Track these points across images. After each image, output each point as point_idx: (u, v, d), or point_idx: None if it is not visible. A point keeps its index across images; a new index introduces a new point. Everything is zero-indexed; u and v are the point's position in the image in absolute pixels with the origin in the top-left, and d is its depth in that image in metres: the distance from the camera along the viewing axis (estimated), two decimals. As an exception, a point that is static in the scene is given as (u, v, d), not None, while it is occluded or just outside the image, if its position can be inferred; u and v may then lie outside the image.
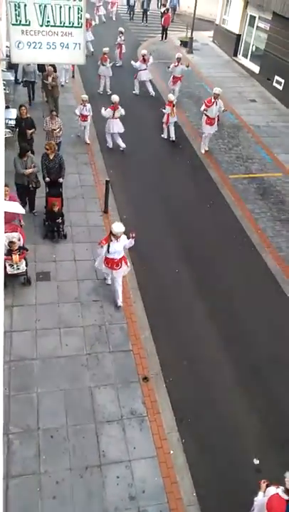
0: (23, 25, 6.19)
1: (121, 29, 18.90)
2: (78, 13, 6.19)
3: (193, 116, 15.28)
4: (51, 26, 6.23)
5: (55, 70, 13.53)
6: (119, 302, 7.90)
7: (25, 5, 6.08)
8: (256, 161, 13.04)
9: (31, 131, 10.80)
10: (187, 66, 15.59)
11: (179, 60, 15.21)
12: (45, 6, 6.12)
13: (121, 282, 7.79)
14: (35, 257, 8.70)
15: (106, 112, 12.15)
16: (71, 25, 6.26)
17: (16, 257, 7.59)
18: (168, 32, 23.68)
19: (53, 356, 6.92)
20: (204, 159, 13.00)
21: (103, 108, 12.24)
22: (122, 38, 18.49)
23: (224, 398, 6.77)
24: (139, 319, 7.83)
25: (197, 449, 6.11)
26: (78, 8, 6.16)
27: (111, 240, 7.29)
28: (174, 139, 13.64)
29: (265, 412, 6.64)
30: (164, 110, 13.35)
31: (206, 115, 12.52)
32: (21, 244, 7.89)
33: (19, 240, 7.92)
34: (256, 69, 19.47)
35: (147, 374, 6.86)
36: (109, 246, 7.31)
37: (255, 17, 19.70)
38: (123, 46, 18.69)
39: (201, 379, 6.99)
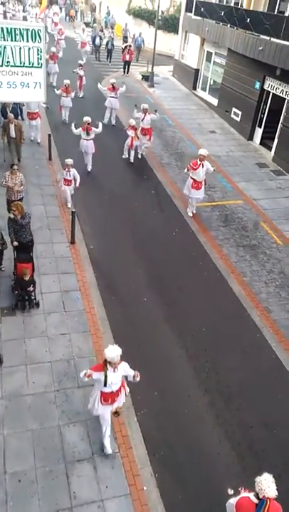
0: (-17, 65, 6.35)
1: (80, 62, 19.47)
2: (38, 54, 6.39)
3: (155, 148, 15.72)
4: (11, 66, 6.40)
5: (16, 116, 13.28)
6: (109, 449, 6.10)
7: (-15, 46, 6.26)
8: (218, 190, 13.48)
9: None
10: (155, 111, 14.63)
11: (145, 110, 13.93)
12: (4, 47, 6.28)
13: (109, 417, 6.04)
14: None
15: (76, 131, 12.82)
16: (31, 65, 6.44)
17: None
18: (130, 67, 24.43)
19: (19, 395, 6.70)
20: (168, 189, 13.33)
21: (73, 127, 12.85)
22: (82, 70, 18.91)
23: (196, 428, 6.73)
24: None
25: (171, 483, 6.00)
26: (38, 49, 6.36)
27: (107, 369, 5.57)
28: (132, 161, 14.48)
29: (237, 440, 6.63)
30: (128, 132, 14.00)
31: (192, 178, 11.46)
32: None
33: None
34: (215, 101, 20.39)
35: (118, 408, 6.72)
36: (106, 378, 5.58)
37: (211, 53, 20.81)
38: (83, 78, 19.18)
39: (173, 410, 6.94)
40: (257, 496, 4.36)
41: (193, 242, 11.09)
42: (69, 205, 11.54)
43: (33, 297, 8.27)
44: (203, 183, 11.55)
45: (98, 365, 5.75)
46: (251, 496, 4.46)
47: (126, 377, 5.92)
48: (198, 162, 11.22)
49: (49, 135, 13.76)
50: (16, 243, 8.34)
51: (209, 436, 6.67)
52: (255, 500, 4.38)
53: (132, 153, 14.39)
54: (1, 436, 6.12)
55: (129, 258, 10.15)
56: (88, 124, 12.63)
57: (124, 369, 5.76)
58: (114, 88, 16.37)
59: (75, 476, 5.82)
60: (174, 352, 7.95)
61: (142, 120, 13.94)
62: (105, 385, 5.62)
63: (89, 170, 13.36)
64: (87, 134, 12.69)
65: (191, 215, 12.03)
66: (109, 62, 26.18)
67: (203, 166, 11.24)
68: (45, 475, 5.78)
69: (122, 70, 24.42)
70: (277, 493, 4.34)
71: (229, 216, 12.27)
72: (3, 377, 6.92)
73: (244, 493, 4.57)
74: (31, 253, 8.60)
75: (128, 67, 24.31)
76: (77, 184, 11.26)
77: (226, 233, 11.52)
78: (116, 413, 6.56)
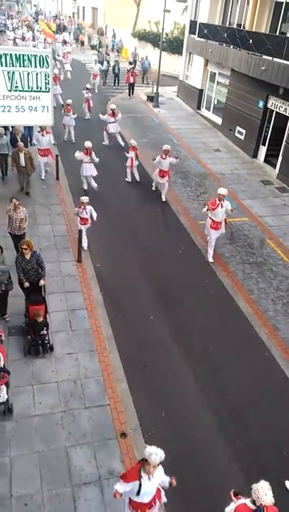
0: (-9, 90, 6.54)
1: (88, 85, 19.90)
2: (46, 79, 6.58)
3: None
4: (19, 91, 6.58)
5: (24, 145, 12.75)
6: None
7: (-6, 72, 6.45)
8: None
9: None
10: (176, 158, 13.59)
11: (166, 152, 13.10)
12: (13, 73, 6.48)
13: None
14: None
15: (78, 155, 12.97)
16: (39, 89, 6.63)
17: None
18: (134, 88, 24.78)
19: (26, 415, 6.66)
20: (174, 206, 13.42)
21: (77, 151, 13.09)
22: (89, 93, 19.42)
23: (205, 450, 6.61)
24: (115, 370, 7.69)
25: (179, 507, 5.87)
26: (45, 74, 6.55)
27: (141, 477, 4.65)
28: (138, 180, 14.62)
29: (247, 461, 6.50)
30: (127, 154, 14.10)
31: (210, 218, 10.70)
32: (1, 365, 6.39)
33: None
34: (219, 120, 20.65)
35: (125, 429, 6.66)
36: (140, 486, 4.67)
37: (215, 73, 21.17)
38: (90, 101, 19.60)
39: (181, 431, 6.84)
40: (254, 502, 4.39)
41: (199, 259, 11.09)
42: (84, 246, 10.63)
43: (46, 341, 7.72)
44: (224, 222, 10.75)
45: (131, 472, 4.74)
46: (248, 502, 4.48)
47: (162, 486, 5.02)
48: (217, 202, 10.35)
49: (56, 156, 13.97)
50: (27, 284, 7.83)
51: (218, 458, 6.54)
52: (253, 507, 4.40)
53: (136, 173, 14.50)
54: (8, 458, 6.06)
55: (135, 276, 10.17)
56: (87, 148, 12.80)
57: (160, 475, 4.83)
58: (113, 114, 16.63)
59: (82, 499, 5.73)
60: (182, 371, 7.87)
61: (163, 159, 13.06)
62: (138, 494, 4.71)
63: (95, 188, 13.49)
64: (90, 158, 12.91)
65: (210, 260, 10.95)
66: (117, 86, 26.31)
67: (222, 207, 10.39)
68: (52, 498, 5.70)
69: (127, 92, 24.74)
70: (273, 501, 4.36)
71: (235, 233, 12.29)
72: (9, 397, 6.78)
73: (241, 500, 4.60)
74: (43, 293, 8.08)
75: (132, 90, 24.66)
76: (95, 219, 10.52)
77: (232, 250, 11.52)
78: (123, 434, 6.54)
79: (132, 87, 24.48)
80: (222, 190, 10.55)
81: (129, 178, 14.61)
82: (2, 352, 6.54)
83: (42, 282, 8.00)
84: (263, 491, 4.34)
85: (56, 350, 7.86)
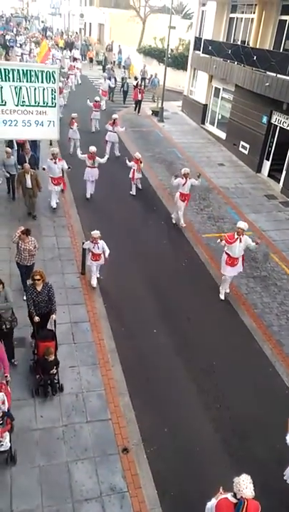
0: (-1, 105, 6.67)
1: (97, 98, 20.18)
2: (52, 94, 6.70)
3: (165, 180, 16.00)
4: (26, 106, 6.70)
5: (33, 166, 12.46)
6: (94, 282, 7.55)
7: (1, 87, 6.56)
8: (227, 221, 13.57)
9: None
10: (198, 176, 12.67)
11: (186, 175, 12.22)
12: (20, 88, 6.60)
13: None
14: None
15: (82, 156, 13.36)
16: (45, 104, 6.75)
17: None
18: (141, 105, 24.48)
19: (27, 429, 6.59)
20: (178, 220, 13.45)
21: (79, 152, 13.56)
22: (98, 112, 19.84)
23: (208, 466, 6.50)
24: (117, 384, 7.63)
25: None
26: (52, 90, 6.68)
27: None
28: (140, 188, 14.88)
29: (252, 479, 6.38)
30: (128, 163, 14.16)
31: (226, 253, 9.69)
32: (5, 409, 5.89)
33: (3, 402, 5.91)
34: (223, 135, 20.83)
35: (127, 444, 6.58)
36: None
37: (219, 89, 21.43)
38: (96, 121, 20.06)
39: (184, 447, 6.75)
40: (235, 495, 4.54)
41: (202, 273, 11.08)
42: (94, 283, 9.83)
43: (56, 380, 7.18)
44: (241, 259, 9.71)
45: None
46: (229, 496, 4.63)
47: None
48: (235, 236, 9.34)
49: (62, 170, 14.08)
50: (37, 319, 7.26)
51: (221, 475, 6.42)
52: (234, 500, 4.55)
53: (138, 183, 14.80)
54: (8, 473, 5.99)
55: (138, 289, 10.15)
56: (92, 153, 13.20)
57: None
58: (114, 123, 16.74)
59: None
60: (185, 386, 7.80)
61: (183, 185, 12.34)
62: None
63: (88, 197, 13.91)
64: (93, 162, 13.28)
65: (222, 297, 10.06)
66: (124, 103, 26.21)
67: (240, 241, 9.35)
68: (52, 515, 5.61)
69: (134, 108, 24.67)
70: (254, 494, 4.50)
71: (239, 247, 12.27)
72: (11, 411, 6.68)
73: (222, 495, 4.72)
74: (54, 328, 7.51)
75: (140, 107, 24.44)
76: (107, 255, 9.59)
77: (236, 264, 11.49)
78: (125, 450, 6.45)
79: (139, 103, 24.35)
80: (241, 224, 9.48)
81: (133, 192, 14.70)
82: (7, 394, 6.10)
83: (54, 317, 7.49)
84: (244, 484, 4.54)
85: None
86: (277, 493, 6.23)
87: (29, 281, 7.69)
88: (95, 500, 5.83)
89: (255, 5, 17.53)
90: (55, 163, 12.35)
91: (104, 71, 29.01)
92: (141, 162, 14.23)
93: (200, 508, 5.96)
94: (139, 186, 14.89)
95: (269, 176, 17.28)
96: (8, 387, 6.26)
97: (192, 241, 12.38)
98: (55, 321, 7.50)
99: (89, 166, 13.38)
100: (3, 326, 7.13)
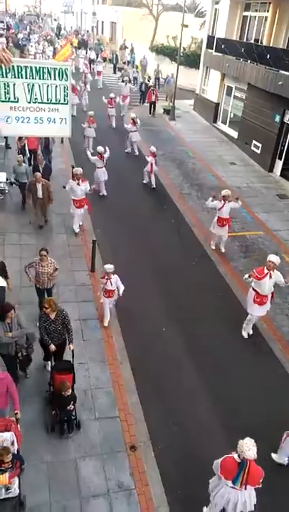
0: (11, 101, 6.68)
1: (111, 95, 20.26)
2: (64, 91, 6.71)
3: (175, 179, 15.98)
4: (38, 103, 6.73)
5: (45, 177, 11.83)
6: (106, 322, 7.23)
7: (14, 84, 6.60)
8: (238, 220, 13.47)
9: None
10: (237, 199, 11.29)
11: (225, 198, 10.99)
12: (33, 85, 6.63)
13: None
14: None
15: (93, 158, 13.49)
16: (57, 101, 6.76)
17: (4, 476, 5.03)
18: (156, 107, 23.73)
19: (35, 425, 6.61)
20: (188, 218, 13.41)
21: (89, 153, 13.92)
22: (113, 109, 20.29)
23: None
24: (126, 382, 7.64)
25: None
26: (64, 87, 6.68)
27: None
28: (154, 186, 14.92)
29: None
30: (147, 158, 14.65)
31: (254, 290, 8.62)
32: (15, 451, 5.35)
33: (12, 443, 5.39)
34: (235, 134, 20.69)
35: (135, 442, 6.58)
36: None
37: (231, 87, 21.28)
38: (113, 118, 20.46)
39: (191, 445, 6.73)
40: (239, 456, 4.96)
41: (212, 272, 11.02)
42: (106, 322, 8.82)
43: (73, 416, 6.57)
44: (270, 296, 8.63)
45: None
46: (235, 455, 5.03)
47: None
48: (266, 271, 8.29)
49: (72, 166, 14.11)
50: (53, 347, 6.78)
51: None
52: (238, 460, 4.98)
53: (153, 178, 14.91)
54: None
55: (148, 287, 10.15)
56: (100, 153, 13.36)
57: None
58: (134, 123, 17.01)
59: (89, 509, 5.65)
60: (193, 385, 7.78)
61: (220, 209, 11.07)
62: None
63: (101, 194, 14.05)
64: (103, 161, 13.43)
65: (246, 335, 9.14)
66: (143, 103, 25.38)
67: (271, 277, 8.29)
68: (59, 510, 5.63)
69: (149, 110, 23.76)
70: (256, 456, 4.91)
71: (250, 247, 12.21)
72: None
73: (231, 454, 5.10)
74: (72, 359, 6.91)
75: (154, 108, 23.74)
76: (121, 293, 8.60)
77: (247, 264, 11.41)
78: (132, 447, 6.45)
79: (153, 105, 23.57)
80: (273, 258, 8.31)
81: (145, 180, 15.09)
82: (17, 435, 5.56)
83: (72, 347, 6.88)
84: (247, 447, 4.92)
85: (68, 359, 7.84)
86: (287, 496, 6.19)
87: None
88: (102, 497, 5.85)
89: (269, 3, 17.36)
90: (78, 184, 11.22)
91: (114, 71, 28.60)
92: (156, 156, 14.50)
93: (206, 505, 5.95)
94: (153, 184, 15.01)
95: (281, 175, 17.11)
96: (18, 425, 5.74)
97: (202, 240, 12.33)
98: (72, 351, 6.90)
99: (99, 167, 13.51)
100: (19, 354, 6.73)
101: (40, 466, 6.09)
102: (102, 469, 6.17)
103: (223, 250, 11.83)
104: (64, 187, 11.76)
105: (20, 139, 13.43)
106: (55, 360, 7.06)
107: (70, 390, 6.41)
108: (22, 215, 12.25)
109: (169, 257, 11.41)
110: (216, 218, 11.30)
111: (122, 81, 23.21)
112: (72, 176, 11.60)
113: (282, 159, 17.08)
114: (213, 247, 11.86)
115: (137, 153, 17.77)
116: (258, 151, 18.30)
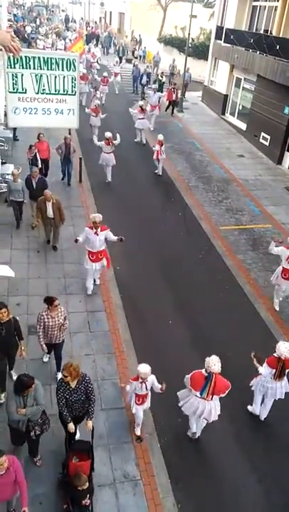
0: (19, 92, 6.65)
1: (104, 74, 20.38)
2: (72, 82, 6.67)
3: (183, 171, 15.89)
4: (46, 94, 6.70)
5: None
6: (138, 431, 6.53)
7: (22, 75, 6.57)
8: (246, 213, 13.40)
9: None
10: (281, 242, 9.28)
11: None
12: (41, 76, 6.60)
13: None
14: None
15: (99, 143, 13.61)
16: (65, 92, 6.73)
17: None
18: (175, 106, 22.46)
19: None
20: (196, 211, 13.35)
21: (95, 137, 14.19)
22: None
23: (221, 457, 6.52)
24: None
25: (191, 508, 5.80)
26: (72, 78, 6.65)
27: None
28: (160, 174, 15.29)
29: (264, 472, 6.37)
30: (154, 148, 14.88)
31: (283, 267, 8.87)
32: None
33: None
34: (243, 126, 20.50)
35: (141, 433, 6.62)
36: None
37: (241, 79, 21.04)
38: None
39: (197, 437, 6.75)
40: (206, 371, 5.78)
41: (219, 265, 10.99)
42: (138, 431, 6.68)
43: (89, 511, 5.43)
44: None
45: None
46: (203, 371, 5.86)
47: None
48: None
49: (80, 158, 14.10)
50: (72, 427, 5.70)
51: (235, 466, 6.43)
52: (206, 374, 5.82)
53: (160, 166, 15.13)
54: (24, 458, 6.09)
55: (154, 280, 10.15)
56: (108, 139, 13.42)
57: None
58: (142, 110, 16.98)
59: (96, 501, 5.70)
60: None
61: (287, 260, 8.95)
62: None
63: (109, 180, 14.23)
64: (110, 147, 13.52)
65: (277, 308, 9.52)
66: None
67: None
68: (66, 499, 5.68)
69: (166, 108, 21.99)
70: (220, 370, 5.76)
71: (257, 240, 12.14)
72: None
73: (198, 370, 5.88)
74: (92, 439, 5.81)
75: (173, 107, 22.20)
76: (159, 388, 6.45)
77: (254, 257, 11.37)
78: (138, 438, 6.49)
79: (173, 104, 22.09)
80: None
81: (159, 172, 15.35)
82: None
83: (90, 425, 5.73)
84: (213, 362, 5.78)
85: (75, 351, 7.89)
86: (291, 487, 6.19)
87: (60, 374, 6.06)
88: (108, 487, 5.91)
89: (280, -8, 17.10)
90: (96, 234, 8.73)
91: (120, 62, 27.75)
92: (162, 144, 14.54)
93: (211, 497, 6.01)
94: (159, 171, 15.12)
95: (290, 168, 16.98)
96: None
97: (210, 233, 12.28)
98: (92, 429, 5.78)
99: (106, 152, 13.63)
100: (32, 433, 5.65)
101: (45, 455, 6.14)
102: (108, 459, 6.22)
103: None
104: (76, 240, 9.01)
105: (30, 148, 12.37)
106: (74, 441, 5.92)
107: (87, 483, 5.19)
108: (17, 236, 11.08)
109: (176, 249, 11.39)
110: (280, 268, 9.15)
111: (151, 89, 20.70)
112: (90, 225, 8.87)
113: (292, 152, 16.92)
114: (277, 308, 9.62)
115: (144, 142, 17.62)
116: (267, 144, 18.13)
